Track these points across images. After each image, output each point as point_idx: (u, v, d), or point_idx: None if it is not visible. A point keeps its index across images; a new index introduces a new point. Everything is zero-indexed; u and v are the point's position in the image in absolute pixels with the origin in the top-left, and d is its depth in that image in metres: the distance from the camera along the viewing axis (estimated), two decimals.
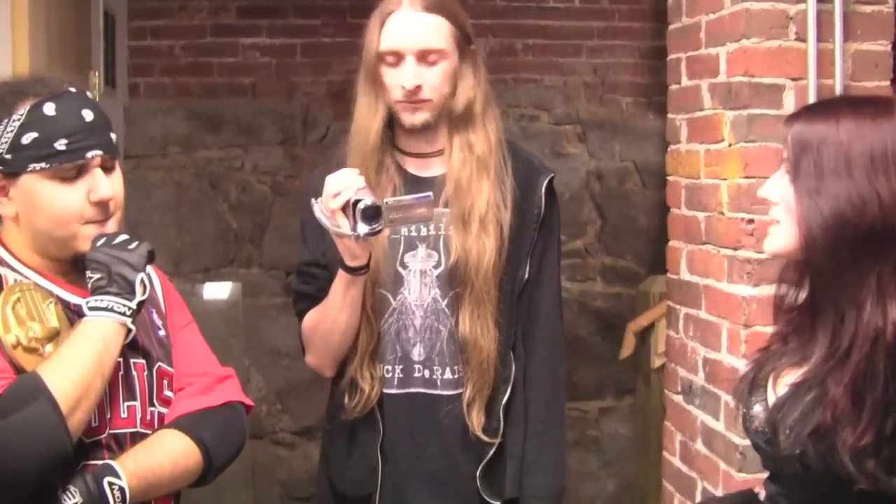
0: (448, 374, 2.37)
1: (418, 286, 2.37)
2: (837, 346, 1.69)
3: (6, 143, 1.79)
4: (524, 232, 2.39)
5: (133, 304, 1.80)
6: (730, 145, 2.86)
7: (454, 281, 2.34)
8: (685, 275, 3.21)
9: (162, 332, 2.00)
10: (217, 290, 5.14)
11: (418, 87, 2.28)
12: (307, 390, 5.11)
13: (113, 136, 1.89)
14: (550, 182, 2.43)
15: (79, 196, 1.82)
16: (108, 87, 4.44)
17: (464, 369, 2.36)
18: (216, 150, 5.16)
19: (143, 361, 1.91)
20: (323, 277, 2.37)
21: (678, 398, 3.26)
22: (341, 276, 2.26)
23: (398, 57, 2.30)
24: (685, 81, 3.19)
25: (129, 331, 1.81)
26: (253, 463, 5.12)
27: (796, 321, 1.87)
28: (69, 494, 1.71)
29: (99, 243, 1.84)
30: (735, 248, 2.84)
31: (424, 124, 2.33)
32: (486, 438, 2.37)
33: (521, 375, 2.40)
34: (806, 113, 1.83)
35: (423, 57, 2.29)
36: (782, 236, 1.79)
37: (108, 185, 1.84)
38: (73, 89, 1.85)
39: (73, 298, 1.86)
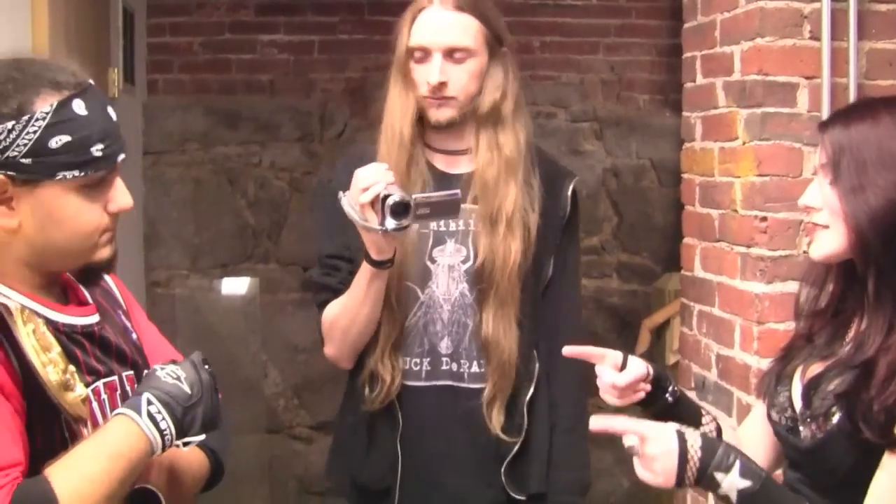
0: (475, 368, 2.40)
1: (446, 280, 2.39)
2: (893, 332, 1.71)
3: (25, 145, 1.51)
4: (549, 233, 2.42)
5: (178, 444, 1.61)
6: (744, 143, 2.87)
7: (481, 278, 2.37)
8: (699, 272, 3.22)
9: (134, 336, 1.83)
10: (235, 286, 5.17)
11: (443, 84, 2.32)
12: (324, 385, 5.13)
13: None
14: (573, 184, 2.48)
15: (100, 208, 1.61)
16: (127, 83, 4.47)
17: (486, 367, 2.39)
18: (234, 147, 5.19)
19: (132, 373, 1.74)
20: (346, 270, 2.39)
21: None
22: (366, 269, 2.27)
23: (426, 53, 2.33)
24: (700, 79, 3.20)
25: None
26: (270, 457, 5.15)
27: (822, 321, 1.89)
28: None
29: (203, 362, 1.65)
30: (748, 246, 2.85)
31: (450, 121, 2.36)
32: (506, 438, 2.39)
33: (544, 373, 2.43)
34: (840, 116, 1.84)
35: (450, 54, 2.32)
36: (831, 240, 1.80)
37: (126, 192, 1.65)
38: (91, 81, 1.63)
39: (61, 318, 1.64)
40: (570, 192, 2.46)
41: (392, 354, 2.38)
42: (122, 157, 1.61)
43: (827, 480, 1.78)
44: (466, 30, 2.33)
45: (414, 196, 2.14)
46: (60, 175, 1.53)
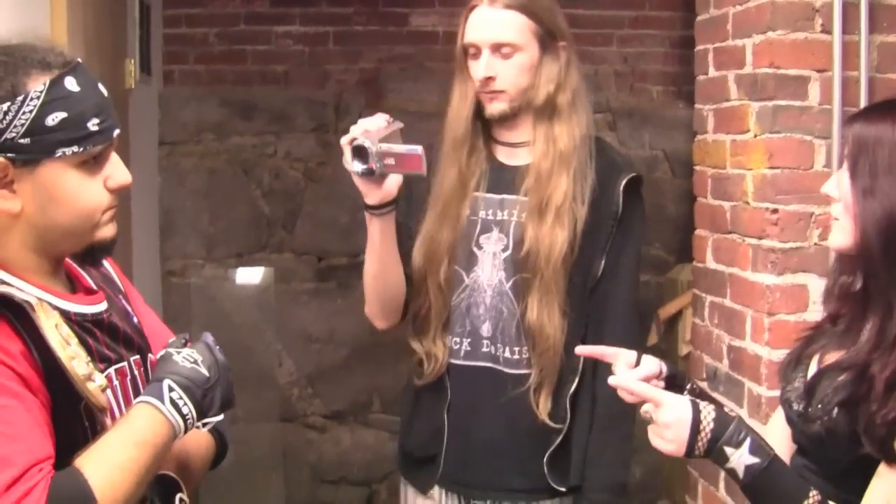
0: (508, 354, 2.45)
1: (489, 267, 2.46)
2: (884, 338, 1.74)
3: (22, 125, 1.51)
4: (599, 228, 2.42)
5: (199, 425, 1.64)
6: (755, 136, 2.89)
7: (521, 266, 2.42)
8: (711, 263, 3.24)
9: (135, 319, 1.83)
10: (249, 275, 5.20)
11: (489, 79, 2.39)
12: (337, 374, 5.16)
13: None
14: (633, 181, 2.45)
15: (100, 184, 1.62)
16: (143, 74, 4.49)
17: (529, 353, 2.44)
18: (249, 137, 5.20)
19: (138, 357, 1.75)
20: (403, 235, 2.49)
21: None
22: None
23: (477, 49, 2.41)
24: (712, 72, 3.22)
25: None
26: (284, 446, 5.18)
27: (847, 305, 1.91)
28: None
29: (214, 343, 1.69)
30: (759, 238, 2.87)
31: (501, 114, 2.44)
32: (552, 424, 2.43)
33: (590, 367, 2.44)
34: (867, 111, 1.87)
35: (498, 50, 2.39)
36: (841, 233, 1.83)
37: (125, 168, 1.65)
38: (79, 59, 1.61)
39: (73, 307, 1.64)
40: (621, 188, 2.42)
41: (442, 333, 2.49)
42: (117, 131, 1.62)
43: (833, 469, 1.81)
44: (513, 26, 2.39)
45: (380, 145, 2.22)
46: (59, 152, 1.54)
